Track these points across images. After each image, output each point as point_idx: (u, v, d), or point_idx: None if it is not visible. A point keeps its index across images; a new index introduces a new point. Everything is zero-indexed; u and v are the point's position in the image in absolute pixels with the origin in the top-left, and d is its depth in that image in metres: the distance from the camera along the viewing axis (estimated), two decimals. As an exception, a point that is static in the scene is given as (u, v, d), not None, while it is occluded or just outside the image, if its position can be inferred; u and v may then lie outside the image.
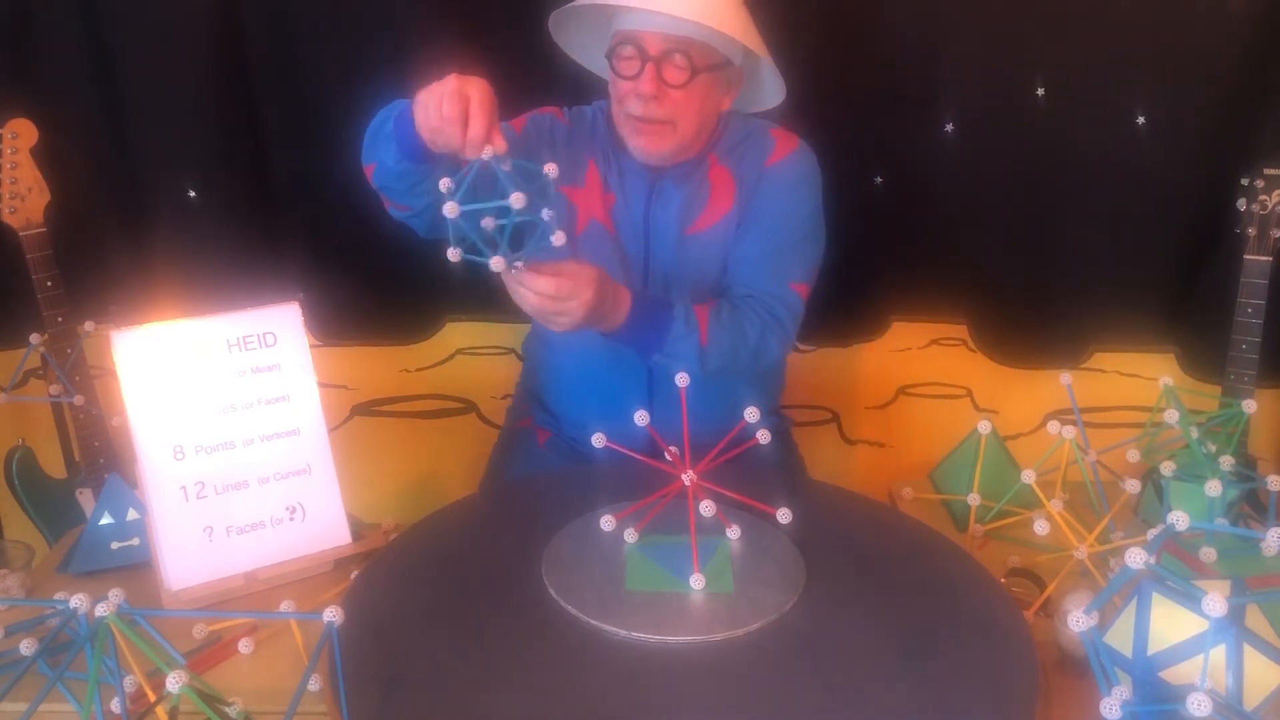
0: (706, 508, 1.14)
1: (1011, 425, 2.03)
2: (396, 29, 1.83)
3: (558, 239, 1.16)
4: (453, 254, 1.13)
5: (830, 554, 1.20)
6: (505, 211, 1.12)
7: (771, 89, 1.53)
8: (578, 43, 1.54)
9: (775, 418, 1.74)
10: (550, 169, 1.18)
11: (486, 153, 1.15)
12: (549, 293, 1.22)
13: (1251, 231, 1.63)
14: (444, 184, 1.12)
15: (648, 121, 1.41)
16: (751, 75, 1.51)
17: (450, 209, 1.10)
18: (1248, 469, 1.43)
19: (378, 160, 1.33)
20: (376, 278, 1.98)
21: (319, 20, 1.84)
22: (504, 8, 1.79)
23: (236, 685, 1.06)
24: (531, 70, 1.71)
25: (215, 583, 1.26)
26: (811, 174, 1.53)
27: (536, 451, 1.67)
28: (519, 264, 1.19)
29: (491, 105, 1.17)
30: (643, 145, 1.44)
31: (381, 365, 2.09)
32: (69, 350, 1.73)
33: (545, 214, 1.15)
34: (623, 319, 1.34)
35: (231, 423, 1.28)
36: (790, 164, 1.51)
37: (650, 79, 1.37)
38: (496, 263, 1.15)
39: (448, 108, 1.16)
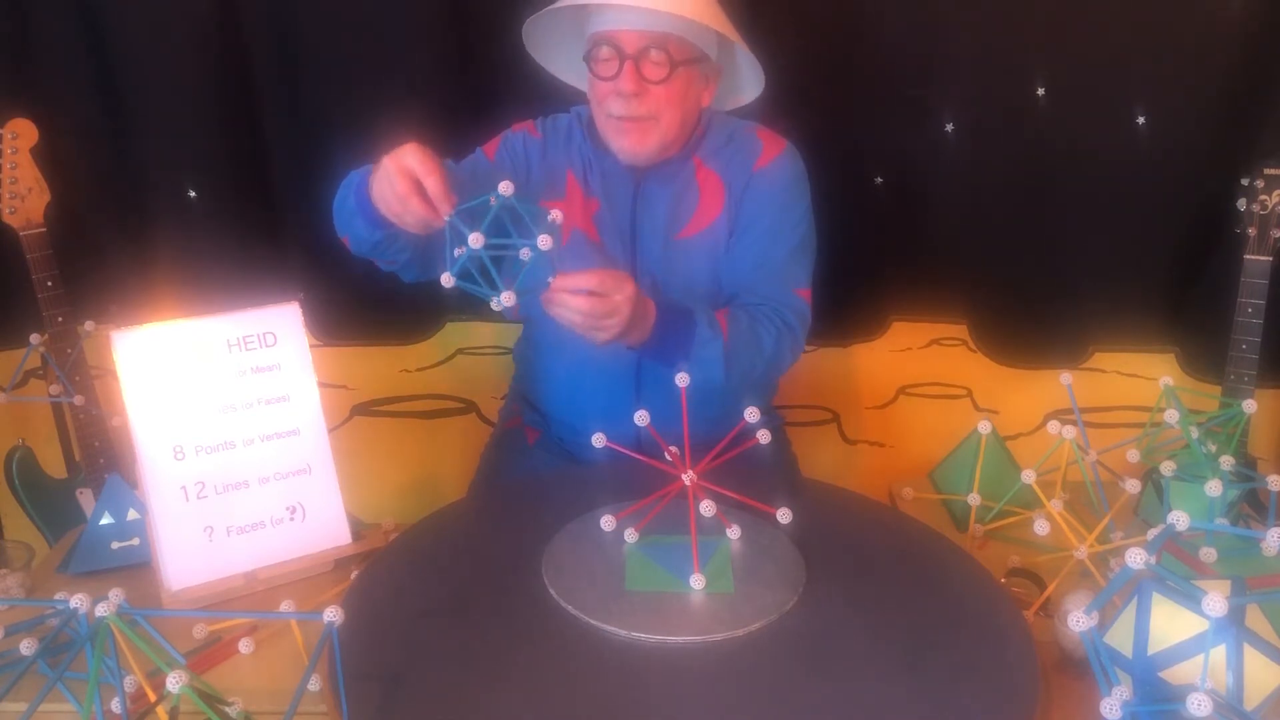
0: (706, 508, 1.14)
1: (1011, 425, 2.04)
2: (395, 29, 1.84)
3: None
4: (446, 279, 1.15)
5: (830, 554, 1.20)
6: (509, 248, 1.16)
7: (750, 82, 1.53)
8: (553, 52, 1.54)
9: (767, 415, 1.74)
10: (556, 215, 1.20)
11: (505, 189, 1.16)
12: (593, 287, 1.21)
13: (1251, 231, 1.63)
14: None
15: (630, 119, 1.41)
16: (728, 69, 1.51)
17: (475, 239, 1.12)
18: (1248, 469, 1.43)
19: (350, 234, 1.37)
20: (376, 278, 1.97)
21: (318, 20, 1.84)
22: (497, 11, 1.80)
23: (236, 685, 1.06)
24: (527, 73, 1.71)
25: (215, 583, 1.26)
26: (800, 176, 1.53)
27: (526, 450, 1.67)
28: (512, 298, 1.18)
29: (433, 161, 1.19)
30: (626, 145, 1.44)
31: (381, 365, 2.09)
32: (69, 350, 1.73)
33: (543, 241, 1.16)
34: (651, 326, 1.32)
35: (231, 423, 1.28)
36: (779, 167, 1.51)
37: (630, 76, 1.38)
38: (507, 297, 1.16)
39: (399, 187, 1.18)
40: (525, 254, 1.16)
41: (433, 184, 1.18)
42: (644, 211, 1.50)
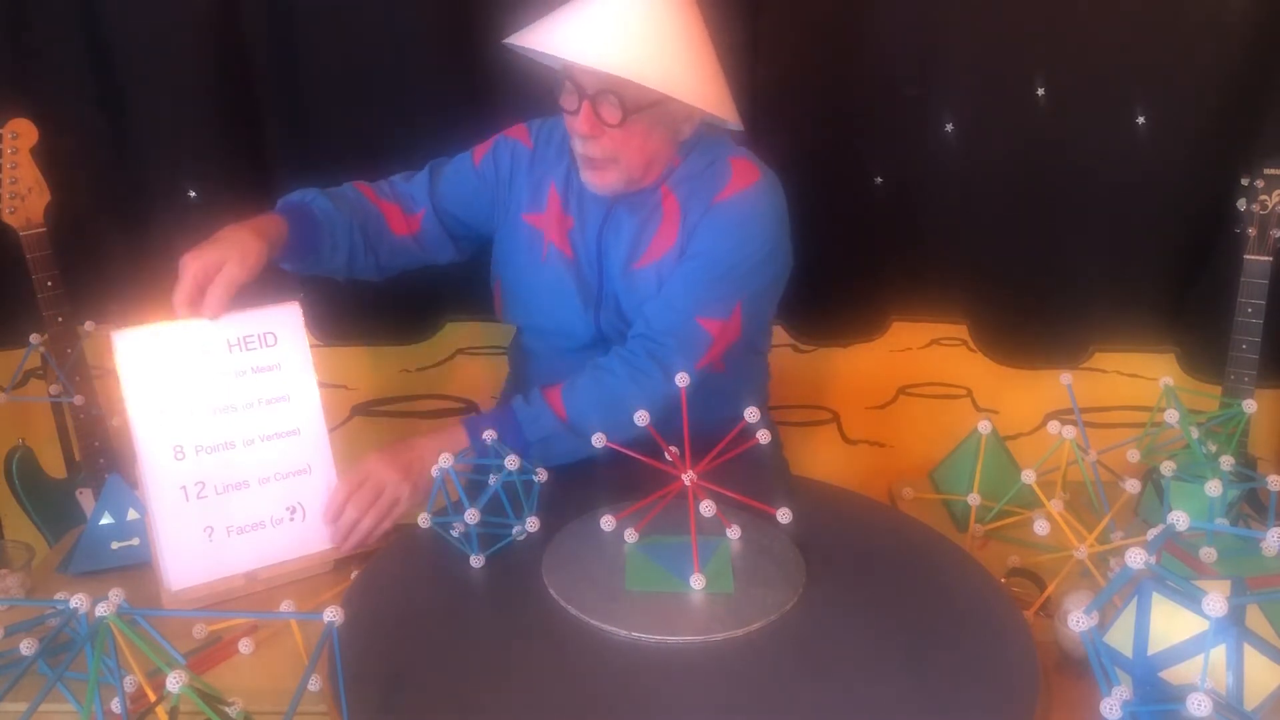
0: (706, 508, 1.14)
1: (1011, 425, 2.03)
2: (396, 28, 1.83)
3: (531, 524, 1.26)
4: (423, 519, 1.25)
5: (830, 554, 1.20)
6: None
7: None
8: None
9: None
10: (531, 523, 1.26)
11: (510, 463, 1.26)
12: (343, 498, 1.30)
13: (1251, 231, 1.62)
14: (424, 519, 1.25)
15: (589, 158, 1.40)
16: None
17: (471, 515, 1.20)
18: (1248, 469, 1.44)
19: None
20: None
21: (319, 20, 1.84)
22: (499, 10, 1.79)
23: (236, 685, 1.06)
24: (528, 74, 1.70)
25: (215, 583, 1.26)
26: (762, 213, 1.44)
27: None
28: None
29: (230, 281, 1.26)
30: (589, 179, 1.43)
31: (381, 365, 2.09)
32: (69, 350, 1.73)
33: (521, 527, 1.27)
34: (463, 433, 1.36)
35: (231, 423, 1.28)
36: (739, 202, 1.42)
37: (587, 118, 1.35)
38: (475, 560, 1.21)
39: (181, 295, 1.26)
40: (520, 536, 1.26)
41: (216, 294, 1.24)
42: (611, 236, 1.48)
